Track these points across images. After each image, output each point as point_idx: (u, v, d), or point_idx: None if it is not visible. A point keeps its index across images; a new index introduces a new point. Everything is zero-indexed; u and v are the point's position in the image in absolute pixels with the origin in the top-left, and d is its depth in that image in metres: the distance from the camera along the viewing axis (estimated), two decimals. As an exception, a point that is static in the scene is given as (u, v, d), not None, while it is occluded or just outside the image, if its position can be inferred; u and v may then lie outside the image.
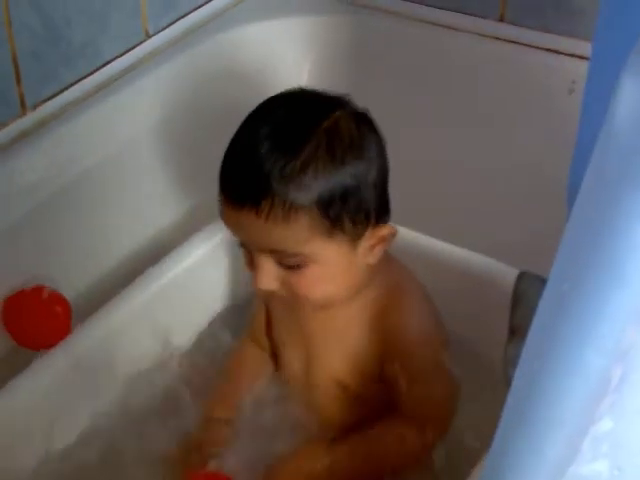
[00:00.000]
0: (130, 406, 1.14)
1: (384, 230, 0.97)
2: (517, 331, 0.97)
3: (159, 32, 1.44)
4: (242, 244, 0.98)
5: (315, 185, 0.91)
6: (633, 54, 0.49)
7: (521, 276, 1.03)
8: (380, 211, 0.97)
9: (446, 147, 1.48)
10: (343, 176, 0.92)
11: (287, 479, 1.00)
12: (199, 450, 1.04)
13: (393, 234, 0.98)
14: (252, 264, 0.97)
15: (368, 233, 0.96)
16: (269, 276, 0.95)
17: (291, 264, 0.94)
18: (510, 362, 0.92)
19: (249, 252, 0.98)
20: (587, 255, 0.50)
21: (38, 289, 1.17)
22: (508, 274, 1.06)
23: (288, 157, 0.91)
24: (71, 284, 1.23)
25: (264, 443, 1.04)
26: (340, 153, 0.92)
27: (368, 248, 0.97)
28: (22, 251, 1.20)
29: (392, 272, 1.03)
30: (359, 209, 0.94)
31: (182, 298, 1.20)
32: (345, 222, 0.93)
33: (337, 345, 1.03)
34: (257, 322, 1.12)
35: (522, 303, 0.99)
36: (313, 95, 0.99)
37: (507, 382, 0.58)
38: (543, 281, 0.54)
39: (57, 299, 1.17)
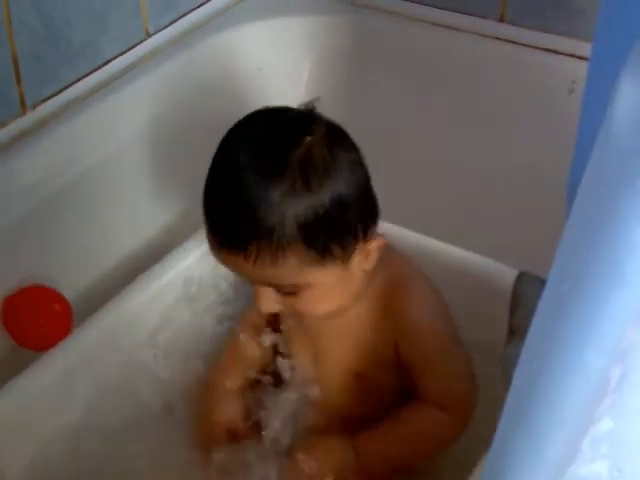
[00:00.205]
0: (131, 406, 1.14)
1: (373, 244, 0.96)
2: (516, 331, 0.97)
3: (159, 31, 1.44)
4: None
5: (297, 222, 0.89)
6: (632, 54, 0.49)
7: (520, 276, 1.03)
8: (367, 223, 0.96)
9: (446, 147, 1.49)
10: (324, 206, 0.90)
11: (323, 455, 1.00)
12: (218, 426, 1.08)
13: (381, 246, 0.97)
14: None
15: (359, 248, 0.95)
16: (269, 301, 0.96)
17: (288, 291, 0.95)
18: (509, 362, 0.92)
19: None
20: (587, 255, 0.50)
21: (38, 289, 1.17)
22: (507, 274, 1.06)
23: (267, 199, 0.89)
24: (71, 284, 1.23)
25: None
26: (317, 183, 0.90)
27: (361, 260, 0.97)
28: (22, 251, 1.20)
29: (394, 261, 1.03)
30: (345, 232, 0.93)
31: (181, 298, 1.21)
32: (334, 249, 0.93)
33: (348, 340, 1.03)
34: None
35: (521, 303, 0.99)
36: (280, 120, 0.96)
37: (506, 382, 0.58)
38: (542, 281, 0.54)
39: (57, 299, 1.17)
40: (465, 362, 1.03)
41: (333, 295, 0.96)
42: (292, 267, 0.91)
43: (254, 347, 1.12)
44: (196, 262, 1.21)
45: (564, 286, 0.51)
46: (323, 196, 0.90)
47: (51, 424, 1.07)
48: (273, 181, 0.90)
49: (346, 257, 0.94)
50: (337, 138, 0.95)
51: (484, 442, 0.64)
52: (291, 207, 0.89)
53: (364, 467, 1.00)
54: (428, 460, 1.03)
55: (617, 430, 0.53)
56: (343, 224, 0.93)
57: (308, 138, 0.92)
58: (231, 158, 0.93)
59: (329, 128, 0.95)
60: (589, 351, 0.50)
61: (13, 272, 1.18)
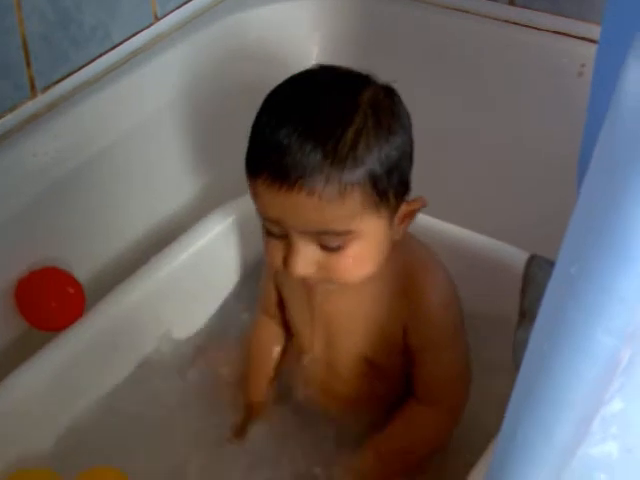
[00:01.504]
0: (145, 386, 1.15)
1: (417, 204, 0.96)
2: (527, 314, 0.97)
3: (167, 15, 1.44)
4: (275, 228, 0.93)
5: (367, 159, 0.88)
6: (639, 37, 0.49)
7: (531, 259, 1.03)
8: (410, 180, 0.96)
9: (454, 130, 1.48)
10: (390, 148, 0.90)
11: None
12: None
13: (424, 205, 0.97)
14: (285, 251, 0.93)
15: (402, 206, 0.95)
16: (307, 261, 0.92)
17: (334, 245, 0.91)
18: (520, 345, 0.92)
19: (284, 238, 0.93)
20: (595, 236, 0.50)
21: (51, 271, 1.17)
22: (518, 257, 1.06)
23: (339, 132, 0.88)
24: (84, 266, 1.23)
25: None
26: (386, 124, 0.91)
27: (398, 222, 0.96)
28: (35, 234, 1.21)
29: (414, 247, 1.03)
30: (401, 182, 0.93)
31: (195, 278, 1.21)
32: (390, 196, 0.92)
33: (361, 322, 1.02)
34: (268, 298, 1.12)
35: (532, 286, 0.99)
36: (339, 69, 0.96)
37: (516, 365, 0.58)
38: (553, 264, 0.54)
39: (70, 281, 1.18)
40: (464, 357, 1.03)
41: (371, 256, 0.93)
42: (355, 206, 0.89)
43: (274, 332, 1.14)
44: (209, 243, 1.22)
45: (573, 268, 0.51)
46: (391, 139, 0.91)
47: (63, 407, 1.08)
48: (346, 115, 0.89)
49: (395, 209, 0.94)
50: (394, 91, 0.96)
51: (484, 426, 0.64)
52: (363, 143, 0.88)
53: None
54: (425, 458, 1.04)
55: (627, 411, 0.53)
56: (400, 173, 0.93)
57: (372, 85, 0.93)
58: (295, 94, 0.92)
59: (384, 83, 0.96)
60: (599, 332, 0.50)
61: (26, 254, 1.18)
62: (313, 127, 0.88)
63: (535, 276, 0.99)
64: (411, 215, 0.97)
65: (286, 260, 0.93)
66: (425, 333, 1.01)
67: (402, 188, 0.94)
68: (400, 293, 1.00)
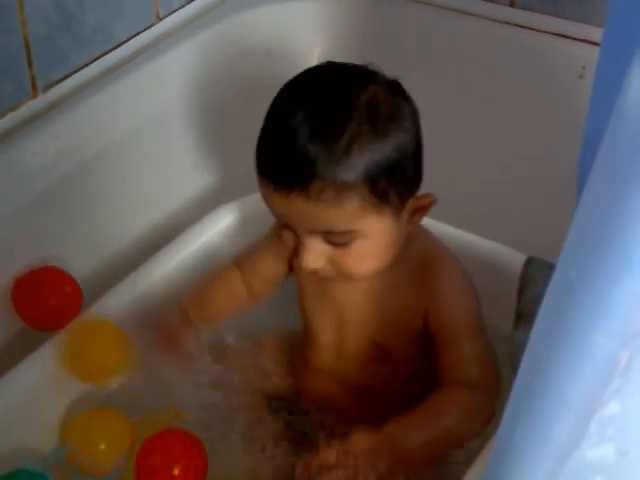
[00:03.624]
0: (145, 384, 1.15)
1: (426, 199, 0.98)
2: (524, 316, 0.97)
3: (169, 15, 1.44)
4: (287, 225, 0.96)
5: (362, 162, 0.90)
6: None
7: (529, 261, 1.03)
8: (419, 177, 0.98)
9: (453, 131, 1.48)
10: (387, 150, 0.92)
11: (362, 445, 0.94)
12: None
13: (434, 202, 0.99)
14: (296, 243, 0.96)
15: (410, 202, 0.96)
16: (316, 255, 0.95)
17: (339, 242, 0.94)
18: (516, 347, 0.92)
19: (293, 232, 0.96)
20: (596, 241, 0.50)
21: (48, 270, 1.17)
22: (516, 259, 1.07)
23: (333, 137, 0.90)
24: (81, 266, 1.23)
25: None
26: (382, 127, 0.92)
27: (408, 217, 0.97)
28: (32, 233, 1.21)
29: (430, 238, 1.04)
30: (403, 181, 0.94)
31: (196, 276, 1.21)
32: (391, 195, 0.93)
33: (374, 310, 1.03)
34: (258, 262, 1.12)
35: (529, 288, 0.99)
36: (343, 68, 0.98)
37: (513, 367, 0.58)
38: (551, 266, 0.55)
39: (67, 281, 1.17)
40: (489, 344, 1.02)
41: (379, 252, 0.96)
42: (353, 208, 0.91)
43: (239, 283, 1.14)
44: (210, 242, 1.22)
45: (573, 272, 0.51)
46: (388, 141, 0.92)
47: (59, 405, 1.08)
48: (340, 121, 0.91)
49: (399, 207, 0.95)
50: (398, 89, 0.97)
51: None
52: (357, 148, 0.90)
53: (404, 455, 0.95)
54: (464, 443, 0.99)
55: (624, 413, 0.53)
56: (402, 172, 0.94)
57: (372, 85, 0.94)
58: (294, 99, 0.94)
59: (390, 80, 0.97)
60: (598, 334, 0.50)
61: (23, 254, 1.18)
62: (311, 135, 0.90)
63: (533, 278, 1.00)
64: (423, 209, 0.99)
65: (297, 253, 0.96)
66: (447, 317, 1.01)
67: (406, 186, 0.95)
68: (418, 281, 1.01)
